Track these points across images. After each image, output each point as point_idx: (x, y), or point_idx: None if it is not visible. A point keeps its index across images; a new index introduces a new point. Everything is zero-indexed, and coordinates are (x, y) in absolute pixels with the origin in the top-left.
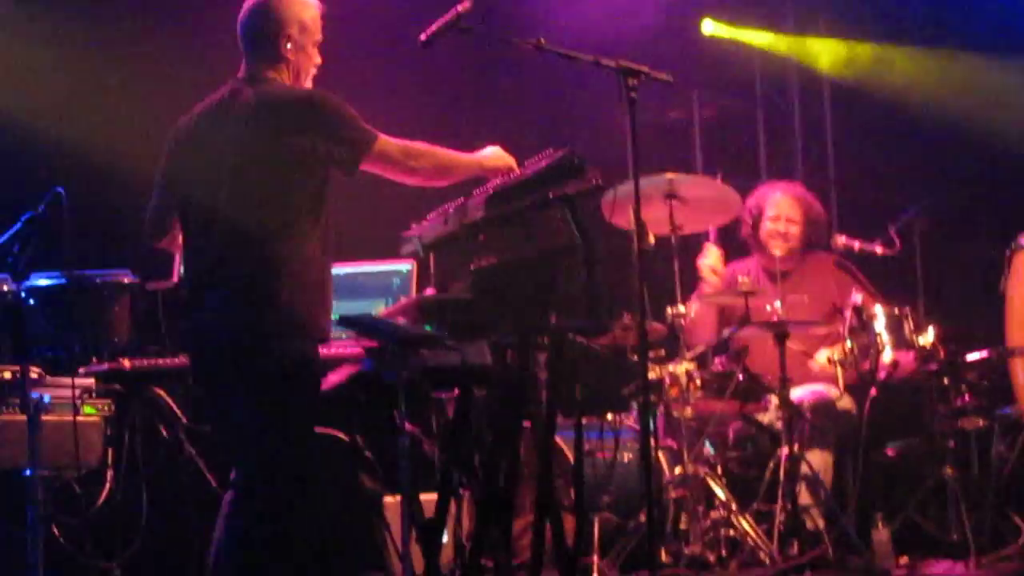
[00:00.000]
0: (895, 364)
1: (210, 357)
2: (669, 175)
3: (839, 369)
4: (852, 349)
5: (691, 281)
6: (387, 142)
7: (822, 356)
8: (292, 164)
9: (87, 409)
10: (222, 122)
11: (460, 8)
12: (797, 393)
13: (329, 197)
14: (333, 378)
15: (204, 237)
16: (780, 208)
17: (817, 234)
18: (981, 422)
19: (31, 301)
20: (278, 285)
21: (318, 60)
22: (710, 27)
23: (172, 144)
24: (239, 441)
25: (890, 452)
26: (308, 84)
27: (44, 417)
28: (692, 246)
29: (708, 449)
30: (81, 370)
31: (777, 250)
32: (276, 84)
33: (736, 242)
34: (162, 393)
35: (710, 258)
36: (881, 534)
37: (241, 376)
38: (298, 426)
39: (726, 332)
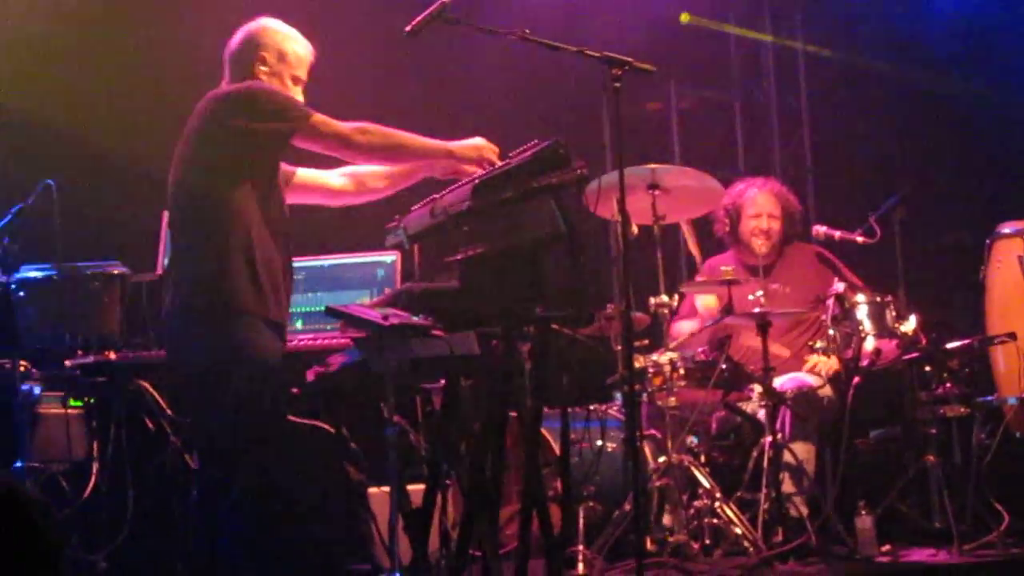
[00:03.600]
0: (877, 352)
1: (168, 346)
2: (652, 165)
3: (822, 357)
4: (835, 337)
5: (673, 271)
6: (324, 118)
7: (814, 359)
8: (228, 146)
9: (73, 402)
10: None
11: None
12: (780, 382)
13: (272, 180)
14: (319, 369)
15: (170, 226)
16: (760, 206)
17: (795, 227)
18: (962, 410)
19: (21, 293)
20: (210, 267)
21: (297, 96)
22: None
23: None
24: (198, 434)
25: (872, 440)
26: None
27: (34, 410)
28: (674, 236)
29: (691, 438)
30: (67, 362)
31: (762, 247)
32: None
33: (711, 232)
34: (147, 385)
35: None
36: (864, 522)
37: (186, 362)
38: (247, 414)
39: (709, 321)
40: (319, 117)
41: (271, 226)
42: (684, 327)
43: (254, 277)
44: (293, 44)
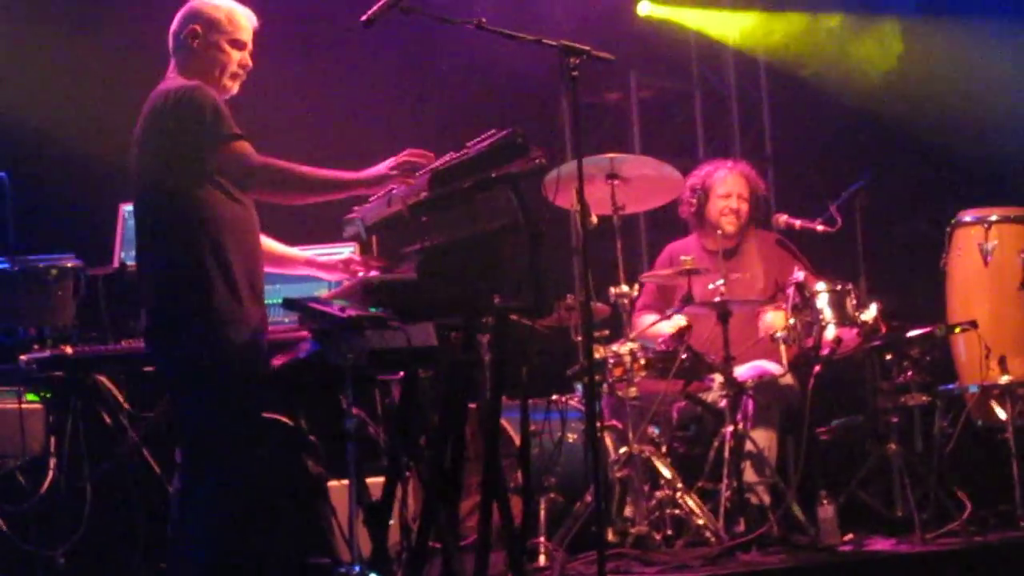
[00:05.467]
0: (838, 340)
1: (150, 342)
2: (610, 155)
3: (782, 346)
4: (795, 326)
5: (633, 261)
6: (247, 147)
7: (769, 316)
8: (179, 146)
9: (30, 396)
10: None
11: None
12: (741, 371)
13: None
14: (277, 361)
15: (139, 222)
16: (730, 185)
17: (760, 210)
18: (924, 398)
19: None
20: (183, 267)
21: (242, 60)
22: (646, 8)
23: None
24: (180, 430)
25: (833, 428)
26: (228, 82)
27: None
28: (634, 226)
29: (652, 429)
30: (23, 357)
31: (730, 226)
32: (170, 80)
33: (671, 221)
34: (104, 380)
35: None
36: (826, 511)
37: (168, 359)
38: (227, 413)
39: (669, 312)
40: (241, 145)
41: (243, 224)
42: (646, 319)
43: (227, 276)
44: (226, 11)
